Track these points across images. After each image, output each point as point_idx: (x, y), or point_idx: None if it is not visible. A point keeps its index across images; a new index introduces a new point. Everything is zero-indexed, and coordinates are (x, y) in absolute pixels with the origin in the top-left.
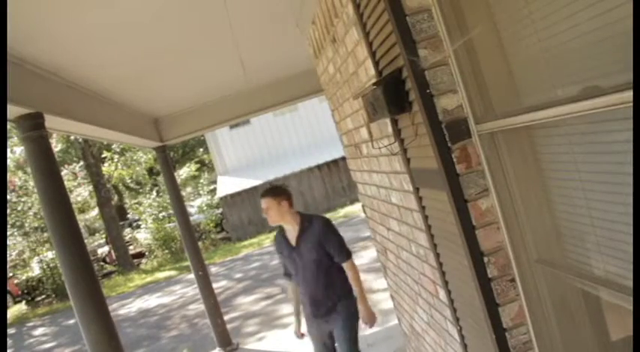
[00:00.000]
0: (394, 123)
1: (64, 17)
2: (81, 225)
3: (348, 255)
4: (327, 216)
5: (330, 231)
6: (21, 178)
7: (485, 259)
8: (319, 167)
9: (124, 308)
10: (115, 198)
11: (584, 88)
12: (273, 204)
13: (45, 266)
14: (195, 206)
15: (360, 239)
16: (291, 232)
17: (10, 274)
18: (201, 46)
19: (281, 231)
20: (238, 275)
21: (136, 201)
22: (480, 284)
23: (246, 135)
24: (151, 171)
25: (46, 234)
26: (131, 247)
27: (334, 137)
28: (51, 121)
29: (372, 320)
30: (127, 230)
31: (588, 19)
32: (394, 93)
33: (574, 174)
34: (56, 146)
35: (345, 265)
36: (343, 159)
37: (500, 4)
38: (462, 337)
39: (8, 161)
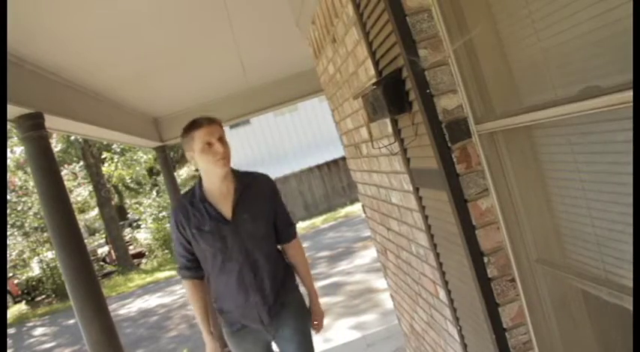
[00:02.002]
0: (394, 123)
1: (64, 17)
2: (81, 225)
3: (295, 230)
4: (327, 216)
5: (279, 193)
6: (21, 178)
7: (485, 259)
8: (319, 167)
9: (124, 308)
10: (115, 198)
11: (584, 87)
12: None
13: (45, 266)
14: None
15: (360, 239)
16: (222, 195)
17: (10, 274)
18: (201, 46)
19: (194, 194)
20: None
21: (136, 201)
22: (480, 284)
23: (246, 135)
24: (151, 171)
25: (46, 234)
26: (131, 247)
27: (334, 137)
28: (51, 121)
29: (322, 321)
30: (127, 230)
31: (588, 19)
32: (394, 93)
33: (574, 174)
34: (56, 146)
35: (292, 244)
36: (343, 159)
37: (500, 4)
38: (462, 337)
39: (8, 161)
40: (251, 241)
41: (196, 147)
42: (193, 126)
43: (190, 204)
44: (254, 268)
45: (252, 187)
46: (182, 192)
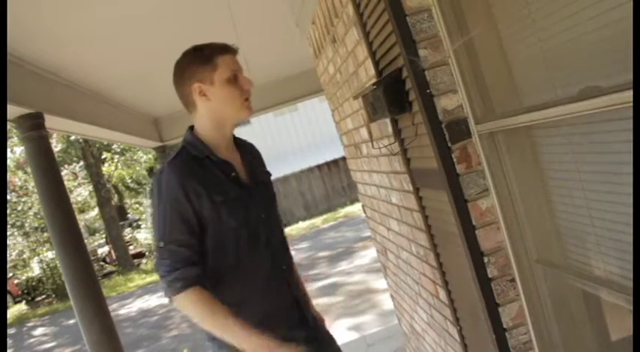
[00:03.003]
0: (394, 123)
1: (64, 17)
2: (81, 225)
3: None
4: (327, 216)
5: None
6: (21, 178)
7: (485, 259)
8: (319, 167)
9: (124, 308)
10: (115, 198)
11: (584, 87)
12: None
13: (45, 266)
14: None
15: (360, 239)
16: (229, 153)
17: (10, 274)
18: None
19: (196, 148)
20: None
21: (136, 201)
22: (480, 284)
23: (247, 135)
24: (151, 171)
25: (46, 234)
26: (131, 247)
27: (334, 137)
28: (51, 121)
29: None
30: (127, 230)
31: (588, 19)
32: (394, 93)
33: (574, 174)
34: (56, 146)
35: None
36: (343, 159)
37: (500, 4)
38: (462, 337)
39: (8, 161)
40: (274, 214)
41: (219, 77)
42: (218, 49)
43: (199, 164)
44: (283, 251)
45: (252, 151)
46: (171, 155)
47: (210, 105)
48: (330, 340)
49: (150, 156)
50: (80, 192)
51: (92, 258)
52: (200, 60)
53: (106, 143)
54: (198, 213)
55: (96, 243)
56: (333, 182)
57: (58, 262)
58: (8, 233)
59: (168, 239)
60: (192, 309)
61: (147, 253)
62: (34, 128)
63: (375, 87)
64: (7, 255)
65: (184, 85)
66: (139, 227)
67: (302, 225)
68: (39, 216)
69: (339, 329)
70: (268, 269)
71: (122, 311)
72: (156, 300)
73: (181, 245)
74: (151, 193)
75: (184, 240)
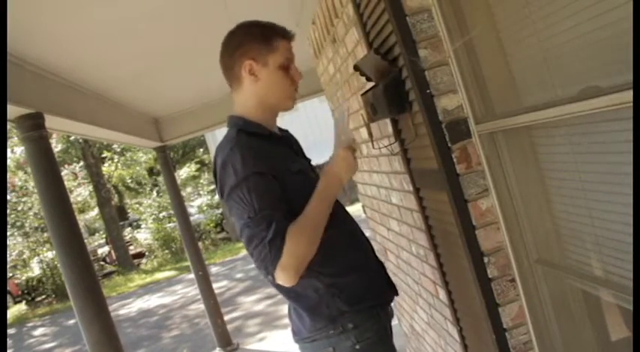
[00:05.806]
0: (394, 123)
1: (64, 17)
2: (81, 225)
3: None
4: None
5: None
6: (21, 178)
7: (486, 259)
8: (319, 167)
9: (125, 309)
10: (115, 198)
11: (584, 87)
12: None
13: (45, 266)
14: (195, 206)
15: None
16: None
17: (10, 274)
18: (201, 45)
19: (255, 128)
20: (239, 275)
21: (136, 201)
22: (480, 284)
23: None
24: (151, 171)
25: (46, 234)
26: (131, 247)
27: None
28: (51, 121)
29: None
30: (127, 230)
31: (588, 19)
32: (394, 94)
33: (574, 174)
34: (56, 146)
35: None
36: None
37: (500, 4)
38: (462, 337)
39: (8, 161)
40: None
41: (274, 60)
42: (279, 32)
43: (262, 140)
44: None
45: (291, 137)
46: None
47: (257, 86)
48: None
49: (150, 156)
50: (80, 192)
51: (92, 258)
52: (259, 38)
53: (105, 143)
54: (281, 182)
55: (96, 243)
56: None
57: (58, 262)
58: (8, 233)
59: (259, 207)
60: (300, 246)
61: (147, 253)
62: (34, 128)
63: (375, 87)
64: (7, 255)
65: (235, 58)
66: (139, 227)
67: None
68: (39, 216)
69: None
70: (350, 229)
71: (122, 311)
72: (156, 300)
73: (273, 209)
74: (224, 177)
75: (275, 205)
